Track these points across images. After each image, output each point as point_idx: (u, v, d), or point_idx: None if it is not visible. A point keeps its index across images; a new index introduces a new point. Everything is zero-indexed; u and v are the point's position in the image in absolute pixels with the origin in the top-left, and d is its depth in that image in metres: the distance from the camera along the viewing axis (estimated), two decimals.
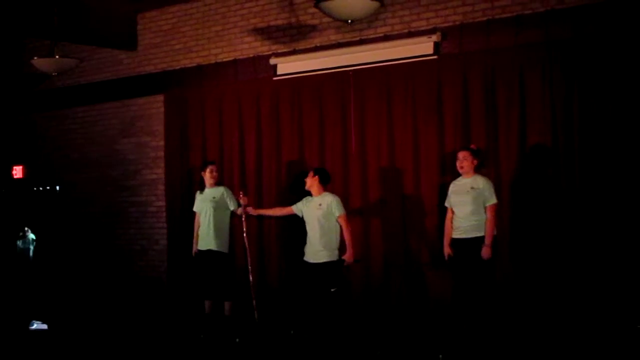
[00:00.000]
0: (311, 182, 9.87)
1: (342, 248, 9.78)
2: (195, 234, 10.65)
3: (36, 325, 11.57)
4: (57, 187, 14.21)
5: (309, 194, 10.21)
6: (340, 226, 9.75)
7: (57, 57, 10.88)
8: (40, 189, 14.36)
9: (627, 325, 8.67)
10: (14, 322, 11.58)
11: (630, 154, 8.86)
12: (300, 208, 10.02)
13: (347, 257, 9.72)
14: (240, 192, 10.51)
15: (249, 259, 10.49)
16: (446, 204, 9.44)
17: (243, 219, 10.48)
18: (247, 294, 10.52)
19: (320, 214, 9.72)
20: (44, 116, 14.67)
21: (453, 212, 9.31)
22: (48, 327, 11.18)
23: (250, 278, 10.46)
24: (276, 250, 11.59)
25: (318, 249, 9.70)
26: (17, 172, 14.61)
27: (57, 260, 13.86)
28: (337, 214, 9.73)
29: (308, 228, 9.86)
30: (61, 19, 11.33)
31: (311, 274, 9.77)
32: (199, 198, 10.61)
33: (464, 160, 9.19)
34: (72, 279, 13.54)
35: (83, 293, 13.20)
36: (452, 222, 9.32)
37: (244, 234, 10.50)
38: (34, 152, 14.67)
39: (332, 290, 9.65)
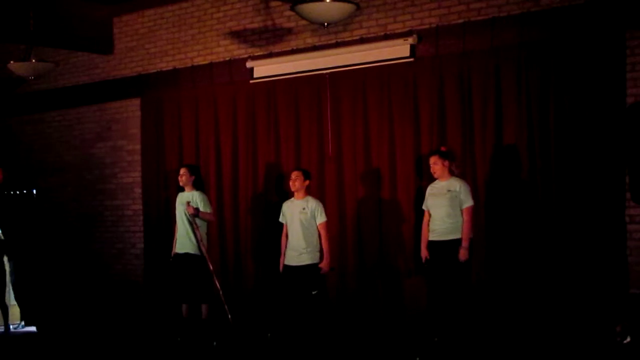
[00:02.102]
0: (301, 186, 9.83)
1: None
2: (175, 237, 10.61)
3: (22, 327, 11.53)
4: (34, 191, 14.14)
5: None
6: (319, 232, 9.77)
7: (33, 61, 10.84)
8: (17, 193, 14.27)
9: (605, 327, 8.71)
10: None
11: (605, 154, 8.91)
12: (284, 214, 9.99)
13: (324, 265, 9.71)
14: (188, 202, 10.38)
15: (209, 264, 10.40)
16: (423, 207, 9.46)
17: (195, 227, 10.35)
18: (224, 296, 10.50)
19: (303, 218, 9.70)
20: (20, 120, 14.62)
21: (430, 215, 9.35)
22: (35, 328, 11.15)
23: (217, 283, 10.38)
24: (252, 253, 11.58)
25: (300, 251, 9.68)
26: None
27: (34, 264, 13.78)
28: (319, 220, 9.73)
29: (290, 230, 9.84)
30: (37, 23, 11.28)
31: (292, 276, 9.76)
32: (177, 201, 10.58)
33: (434, 165, 9.23)
34: (49, 283, 13.48)
35: (60, 297, 13.15)
36: (428, 225, 9.35)
37: (199, 243, 10.37)
38: (10, 156, 14.59)
39: (313, 293, 9.65)
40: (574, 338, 8.80)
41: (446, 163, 9.21)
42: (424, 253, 9.36)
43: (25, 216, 14.01)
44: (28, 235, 13.77)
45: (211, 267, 10.32)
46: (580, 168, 9.06)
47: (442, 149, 9.38)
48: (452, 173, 9.25)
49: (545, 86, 9.30)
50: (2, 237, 12.14)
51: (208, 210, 10.40)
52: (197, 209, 10.18)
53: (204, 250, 10.27)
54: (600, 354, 8.45)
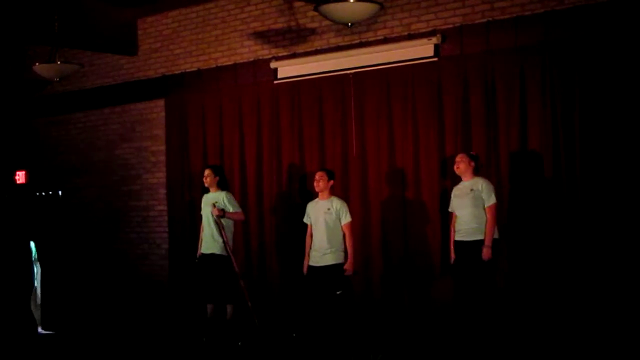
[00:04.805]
0: (325, 186, 9.83)
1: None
2: (200, 237, 10.64)
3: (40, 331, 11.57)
4: (59, 192, 14.22)
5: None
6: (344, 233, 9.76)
7: (58, 62, 10.90)
8: (43, 194, 14.36)
9: (629, 327, 8.66)
10: (21, 326, 11.61)
11: (631, 155, 8.85)
12: (309, 214, 9.99)
13: (348, 266, 9.69)
14: (214, 204, 10.41)
15: (235, 265, 10.40)
16: (449, 209, 9.47)
17: (220, 227, 10.36)
18: (249, 297, 10.51)
19: (328, 218, 9.69)
20: (45, 121, 14.70)
21: (456, 216, 9.34)
22: (53, 332, 11.20)
23: (242, 284, 10.39)
24: (277, 254, 11.58)
25: (324, 251, 9.68)
26: (20, 177, 14.62)
27: (60, 265, 13.86)
28: (344, 221, 9.71)
29: (314, 231, 9.84)
30: (62, 25, 11.35)
31: (317, 277, 9.76)
32: (203, 202, 10.61)
33: (460, 162, 9.24)
34: (75, 284, 13.55)
35: (86, 298, 13.21)
36: (454, 226, 9.35)
37: (225, 243, 10.39)
38: (36, 157, 14.69)
39: (337, 293, 9.64)
40: (600, 339, 8.74)
41: (472, 163, 9.20)
42: (453, 255, 9.37)
43: (51, 217, 14.10)
44: (54, 236, 13.87)
45: (237, 269, 10.34)
46: (606, 168, 9.00)
47: (473, 153, 9.39)
48: (475, 173, 9.24)
49: (570, 85, 9.25)
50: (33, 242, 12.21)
51: (237, 209, 10.42)
52: (222, 210, 10.21)
53: (229, 251, 10.29)
54: (627, 354, 8.40)
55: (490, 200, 9.08)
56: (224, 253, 10.30)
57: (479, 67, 9.92)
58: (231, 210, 10.34)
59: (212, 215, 10.26)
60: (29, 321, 11.94)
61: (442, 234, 10.04)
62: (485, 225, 9.04)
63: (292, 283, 11.07)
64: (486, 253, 8.96)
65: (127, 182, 13.51)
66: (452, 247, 9.38)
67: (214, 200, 10.34)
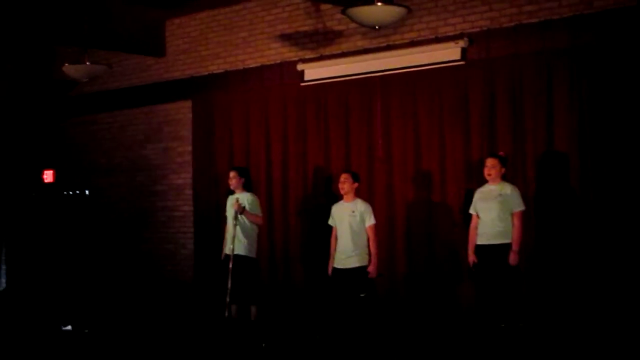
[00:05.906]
0: (350, 188, 9.82)
1: None
2: (225, 238, 10.65)
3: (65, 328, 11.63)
4: (87, 192, 14.31)
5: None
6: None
7: (87, 63, 10.96)
8: (70, 193, 14.46)
9: None
10: (45, 324, 11.68)
11: None
12: (334, 217, 9.99)
13: (371, 269, 9.67)
14: (237, 199, 10.41)
15: (230, 262, 10.35)
16: (471, 211, 9.41)
17: (235, 222, 10.36)
18: (273, 298, 10.50)
19: (352, 221, 9.68)
20: (73, 121, 14.80)
21: (479, 218, 9.29)
22: (74, 329, 11.25)
23: (229, 282, 10.35)
24: (301, 255, 11.61)
25: (349, 254, 9.67)
26: (48, 176, 14.73)
27: (86, 264, 13.95)
28: (368, 223, 9.70)
29: (339, 233, 9.83)
30: (91, 26, 11.43)
31: (341, 279, 9.76)
32: (228, 203, 10.62)
33: (492, 168, 9.14)
34: (101, 283, 13.62)
35: (111, 296, 13.28)
36: (476, 229, 9.30)
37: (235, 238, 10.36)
38: (64, 156, 14.79)
39: (361, 295, 9.64)
40: (627, 343, 8.70)
41: (503, 170, 9.15)
42: (471, 258, 9.31)
43: (78, 216, 14.19)
44: (81, 235, 13.96)
45: (230, 267, 10.27)
46: (634, 174, 8.95)
47: (501, 154, 9.33)
48: (503, 178, 9.21)
49: (597, 89, 9.21)
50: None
51: (258, 213, 10.41)
52: (243, 207, 10.20)
53: (234, 246, 10.22)
54: None
55: (520, 206, 9.02)
56: (250, 254, 10.31)
57: (506, 70, 9.90)
58: (257, 210, 10.35)
59: (236, 212, 10.27)
60: (52, 318, 12.03)
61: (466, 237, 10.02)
62: (512, 230, 9.00)
63: (317, 285, 11.08)
64: (514, 259, 8.92)
65: (153, 182, 13.58)
66: (471, 249, 9.33)
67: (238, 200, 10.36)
